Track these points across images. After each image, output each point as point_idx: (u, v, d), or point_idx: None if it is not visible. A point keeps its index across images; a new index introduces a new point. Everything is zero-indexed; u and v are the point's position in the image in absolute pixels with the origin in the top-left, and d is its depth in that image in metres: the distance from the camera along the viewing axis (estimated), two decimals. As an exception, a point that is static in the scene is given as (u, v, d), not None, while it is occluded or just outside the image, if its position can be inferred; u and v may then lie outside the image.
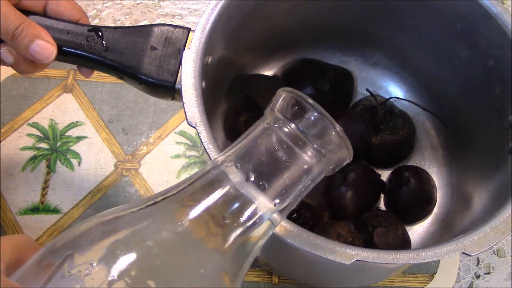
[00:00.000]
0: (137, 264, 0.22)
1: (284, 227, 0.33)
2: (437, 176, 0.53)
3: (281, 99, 0.27)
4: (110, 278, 0.22)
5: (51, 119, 0.56)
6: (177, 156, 0.55)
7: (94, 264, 0.22)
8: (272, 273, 0.50)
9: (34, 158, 0.53)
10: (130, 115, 0.56)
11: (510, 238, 0.53)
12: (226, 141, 0.53)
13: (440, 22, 0.46)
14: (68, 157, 0.54)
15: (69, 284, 0.22)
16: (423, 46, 0.50)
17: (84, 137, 0.55)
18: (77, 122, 0.56)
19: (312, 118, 0.26)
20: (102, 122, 0.56)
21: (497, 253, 0.52)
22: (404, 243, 0.47)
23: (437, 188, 0.52)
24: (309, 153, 0.26)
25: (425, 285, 0.50)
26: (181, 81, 0.36)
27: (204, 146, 0.34)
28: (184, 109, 0.35)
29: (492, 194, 0.42)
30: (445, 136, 0.54)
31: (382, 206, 0.52)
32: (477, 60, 0.44)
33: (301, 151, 0.26)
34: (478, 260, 0.52)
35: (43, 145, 0.54)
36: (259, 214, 0.25)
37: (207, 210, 0.25)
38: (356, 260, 0.32)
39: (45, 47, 0.36)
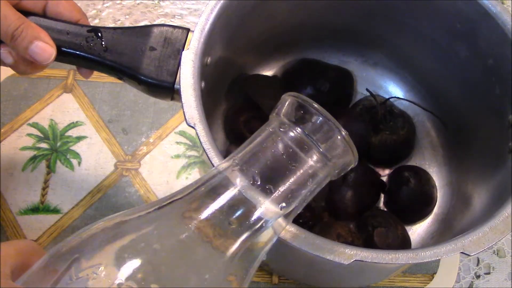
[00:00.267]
0: (144, 268, 0.22)
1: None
2: (437, 176, 0.53)
3: (286, 104, 0.27)
4: (117, 282, 0.22)
5: (51, 119, 0.56)
6: (177, 156, 0.55)
7: (102, 267, 0.22)
8: (272, 273, 0.50)
9: (34, 158, 0.54)
10: (130, 115, 0.56)
11: (510, 238, 0.53)
12: (225, 141, 0.53)
13: (440, 22, 0.46)
14: (68, 157, 0.54)
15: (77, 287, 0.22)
16: (423, 46, 0.50)
17: (84, 137, 0.55)
18: (77, 122, 0.56)
19: (318, 122, 0.26)
20: (102, 122, 0.56)
21: (497, 253, 0.52)
22: (404, 243, 0.47)
23: (437, 188, 0.52)
24: (315, 158, 0.26)
25: (425, 285, 0.50)
26: (180, 81, 0.36)
27: (203, 147, 0.34)
28: (183, 109, 0.35)
29: (491, 194, 0.42)
30: (445, 136, 0.54)
31: (382, 206, 0.52)
32: (477, 60, 0.44)
33: (307, 156, 0.26)
34: (478, 260, 0.52)
35: (43, 145, 0.54)
36: (265, 218, 0.25)
37: (213, 214, 0.25)
38: (355, 260, 0.32)
39: (44, 48, 0.36)
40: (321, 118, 0.26)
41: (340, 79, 0.55)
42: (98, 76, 0.57)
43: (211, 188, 0.26)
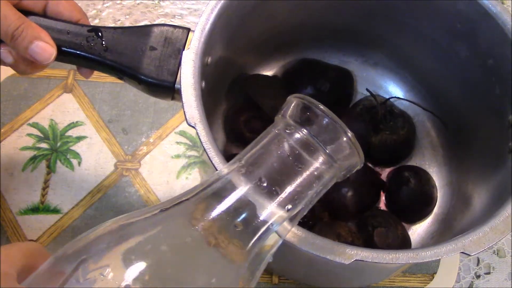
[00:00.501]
0: (150, 270, 0.22)
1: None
2: (437, 176, 0.53)
3: (292, 105, 0.27)
4: (125, 284, 0.22)
5: (51, 119, 0.56)
6: (177, 156, 0.55)
7: (109, 269, 0.22)
8: (272, 273, 0.50)
9: (34, 158, 0.54)
10: (130, 115, 0.56)
11: (510, 238, 0.53)
12: (226, 141, 0.53)
13: (440, 22, 0.46)
14: (68, 157, 0.54)
15: None
16: (423, 46, 0.50)
17: (84, 137, 0.55)
18: (77, 122, 0.56)
19: (324, 124, 0.26)
20: (102, 122, 0.56)
21: (497, 253, 0.52)
22: (404, 243, 0.47)
23: (437, 188, 0.52)
24: (321, 159, 0.26)
25: (425, 285, 0.50)
26: (180, 81, 0.36)
27: (203, 146, 0.34)
28: (183, 109, 0.35)
29: (492, 194, 0.42)
30: (445, 136, 0.54)
31: (382, 206, 0.52)
32: (477, 60, 0.44)
33: (313, 157, 0.26)
34: (478, 260, 0.52)
35: (43, 145, 0.54)
36: (271, 220, 0.25)
37: (219, 217, 0.25)
38: (355, 259, 0.32)
39: (45, 48, 0.36)
40: (327, 120, 0.26)
41: (340, 79, 0.55)
42: (98, 76, 0.57)
43: (216, 190, 0.25)
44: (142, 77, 0.38)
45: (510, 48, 0.40)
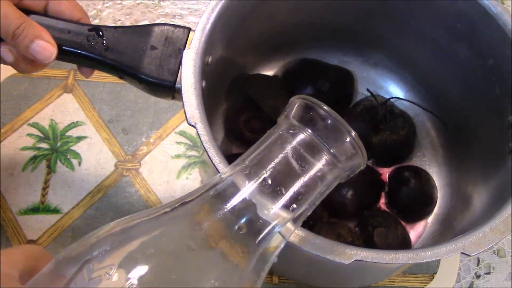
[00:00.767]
0: (155, 271, 0.22)
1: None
2: (437, 176, 0.53)
3: (295, 106, 0.27)
4: (129, 283, 0.22)
5: (51, 119, 0.56)
6: (178, 156, 0.55)
7: (114, 269, 0.22)
8: (272, 273, 0.50)
9: (34, 158, 0.54)
10: (130, 115, 0.56)
11: (510, 238, 0.53)
12: (226, 141, 0.53)
13: (440, 22, 0.46)
14: (68, 157, 0.54)
15: None
16: (423, 46, 0.50)
17: (84, 137, 0.55)
18: (77, 122, 0.56)
19: (328, 124, 0.26)
20: (102, 122, 0.56)
21: (498, 253, 0.52)
22: (404, 243, 0.47)
23: (437, 188, 0.52)
24: (325, 159, 0.26)
25: (426, 285, 0.50)
26: (181, 80, 0.36)
27: (204, 146, 0.34)
28: (184, 108, 0.35)
29: (492, 194, 0.42)
30: (445, 136, 0.54)
31: (382, 206, 0.52)
32: (477, 60, 0.44)
33: (317, 158, 0.26)
34: (479, 260, 0.52)
35: (43, 145, 0.54)
36: (275, 221, 0.25)
37: (223, 218, 0.25)
38: (355, 259, 0.32)
39: (45, 47, 0.36)
40: (331, 120, 0.26)
41: (341, 79, 0.55)
42: (98, 76, 0.57)
43: (220, 192, 0.25)
44: (143, 76, 0.38)
45: (510, 48, 0.40)
